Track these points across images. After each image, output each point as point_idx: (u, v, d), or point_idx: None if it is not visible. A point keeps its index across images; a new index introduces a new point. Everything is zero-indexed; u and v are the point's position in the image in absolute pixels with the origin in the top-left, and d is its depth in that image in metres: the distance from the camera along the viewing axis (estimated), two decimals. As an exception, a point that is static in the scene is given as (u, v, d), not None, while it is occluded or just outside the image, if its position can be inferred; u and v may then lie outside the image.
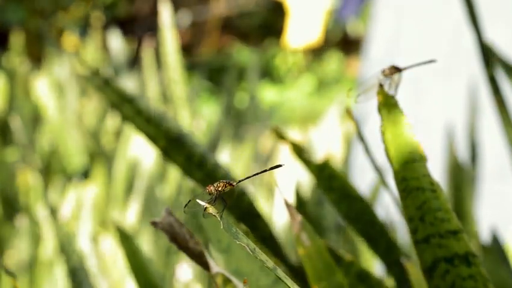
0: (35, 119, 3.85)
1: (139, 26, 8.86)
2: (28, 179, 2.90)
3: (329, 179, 1.35)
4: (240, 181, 0.87)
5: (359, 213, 1.35)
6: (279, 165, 0.88)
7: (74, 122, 3.62)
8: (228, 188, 0.87)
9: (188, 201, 0.86)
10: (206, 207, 0.83)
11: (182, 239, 0.89)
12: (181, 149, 1.37)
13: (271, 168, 0.88)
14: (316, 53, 8.85)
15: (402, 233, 2.22)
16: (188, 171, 1.37)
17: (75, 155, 3.49)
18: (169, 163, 1.91)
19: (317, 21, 8.73)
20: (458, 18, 2.86)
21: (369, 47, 3.22)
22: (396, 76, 1.04)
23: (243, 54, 8.59)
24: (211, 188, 0.86)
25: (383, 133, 1.00)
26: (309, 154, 1.37)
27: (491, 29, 2.09)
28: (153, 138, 1.39)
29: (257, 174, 0.88)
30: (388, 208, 2.34)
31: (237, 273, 1.10)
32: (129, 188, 3.06)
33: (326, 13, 8.78)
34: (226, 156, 3.62)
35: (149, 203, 2.88)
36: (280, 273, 0.82)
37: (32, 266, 2.52)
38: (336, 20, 8.81)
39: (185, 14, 9.03)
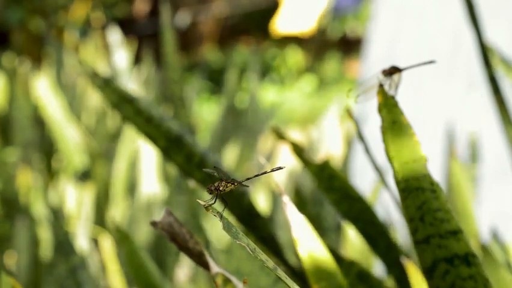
0: (35, 119, 3.85)
1: (139, 26, 8.86)
2: (28, 179, 2.90)
3: (329, 179, 1.35)
4: (241, 182, 0.87)
5: (359, 213, 1.35)
6: (280, 168, 0.88)
7: (74, 122, 3.61)
8: (230, 187, 0.87)
9: None
10: (206, 207, 0.83)
11: (182, 239, 0.89)
12: (181, 149, 1.37)
13: (273, 170, 0.88)
14: (316, 54, 8.85)
15: (402, 233, 2.22)
16: (188, 172, 1.37)
17: (75, 155, 3.49)
18: (169, 163, 1.91)
19: (312, 10, 8.68)
20: (458, 18, 2.86)
21: (369, 47, 3.21)
22: (396, 76, 1.04)
23: (243, 54, 8.59)
24: (213, 187, 0.87)
25: (383, 133, 1.00)
26: (309, 154, 1.37)
27: (491, 29, 2.09)
28: (153, 138, 1.39)
29: (258, 175, 0.88)
30: (388, 208, 2.34)
31: (237, 273, 1.10)
32: (129, 188, 3.05)
33: (323, 4, 8.74)
34: (226, 157, 3.62)
35: (149, 203, 2.88)
36: (281, 273, 0.82)
37: (32, 266, 2.52)
38: (334, 12, 8.78)
39: (185, 14, 9.02)
